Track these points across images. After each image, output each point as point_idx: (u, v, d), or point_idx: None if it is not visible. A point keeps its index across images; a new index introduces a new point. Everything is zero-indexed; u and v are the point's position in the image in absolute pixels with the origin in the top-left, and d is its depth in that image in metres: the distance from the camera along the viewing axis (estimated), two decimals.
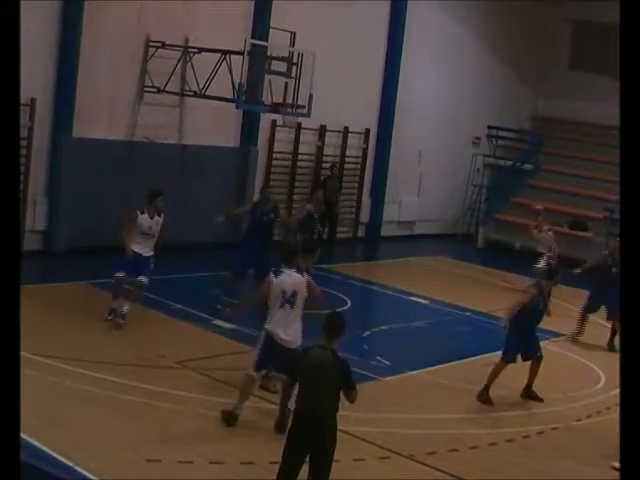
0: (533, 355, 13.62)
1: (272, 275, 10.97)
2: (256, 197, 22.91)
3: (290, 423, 8.48)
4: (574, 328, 17.36)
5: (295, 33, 19.99)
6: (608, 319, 17.03)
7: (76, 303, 15.73)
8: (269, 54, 19.12)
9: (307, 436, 8.15)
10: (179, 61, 19.99)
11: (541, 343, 16.95)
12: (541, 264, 19.16)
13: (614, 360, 16.31)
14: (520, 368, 14.52)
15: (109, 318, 14.60)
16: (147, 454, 9.77)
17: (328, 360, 8.18)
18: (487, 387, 13.30)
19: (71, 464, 9.09)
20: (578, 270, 17.52)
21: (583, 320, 17.37)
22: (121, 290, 14.66)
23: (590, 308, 17.33)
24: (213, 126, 21.35)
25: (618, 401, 13.87)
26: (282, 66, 19.16)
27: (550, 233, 20.11)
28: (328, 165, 24.54)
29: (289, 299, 10.78)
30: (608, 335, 16.84)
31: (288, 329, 10.78)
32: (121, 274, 14.42)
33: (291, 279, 10.89)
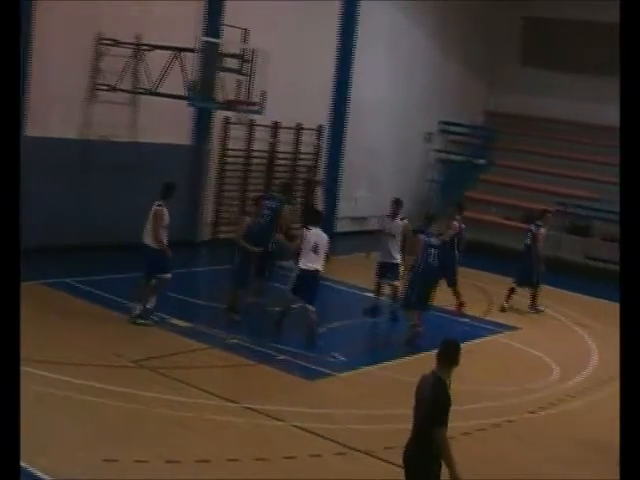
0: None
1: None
2: (211, 194, 23.05)
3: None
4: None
5: (248, 30, 19.94)
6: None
7: (29, 303, 15.52)
8: (221, 51, 19.05)
9: (407, 458, 8.02)
10: (132, 59, 19.88)
11: (494, 337, 17.25)
12: None
13: (567, 352, 16.62)
14: (481, 362, 14.70)
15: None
16: (104, 454, 9.74)
17: (429, 386, 7.87)
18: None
19: (26, 465, 8.99)
20: None
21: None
22: None
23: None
24: (166, 124, 21.23)
25: (571, 393, 14.15)
26: (235, 63, 19.10)
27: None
28: (304, 168, 24.98)
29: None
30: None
31: None
32: None
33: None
